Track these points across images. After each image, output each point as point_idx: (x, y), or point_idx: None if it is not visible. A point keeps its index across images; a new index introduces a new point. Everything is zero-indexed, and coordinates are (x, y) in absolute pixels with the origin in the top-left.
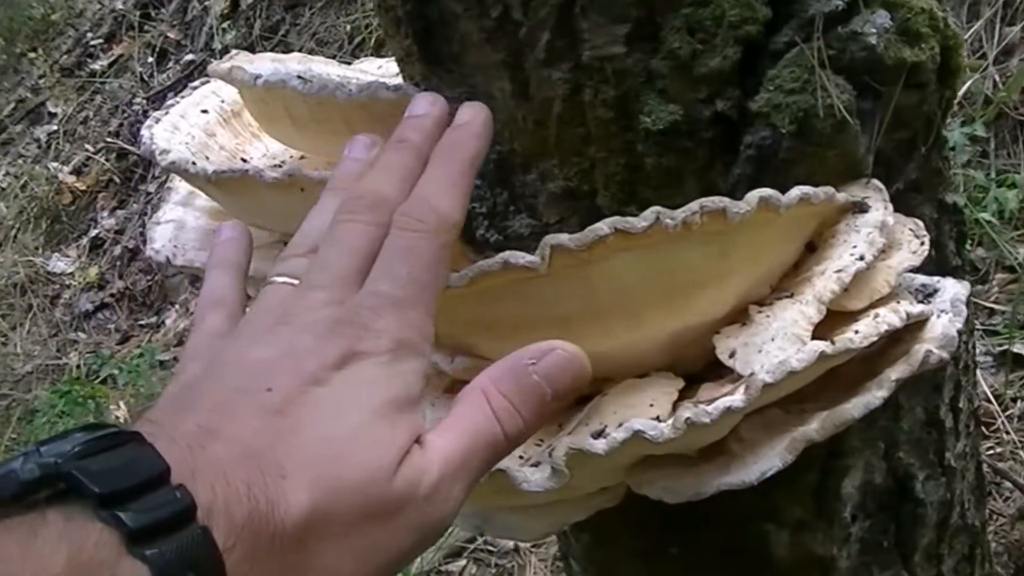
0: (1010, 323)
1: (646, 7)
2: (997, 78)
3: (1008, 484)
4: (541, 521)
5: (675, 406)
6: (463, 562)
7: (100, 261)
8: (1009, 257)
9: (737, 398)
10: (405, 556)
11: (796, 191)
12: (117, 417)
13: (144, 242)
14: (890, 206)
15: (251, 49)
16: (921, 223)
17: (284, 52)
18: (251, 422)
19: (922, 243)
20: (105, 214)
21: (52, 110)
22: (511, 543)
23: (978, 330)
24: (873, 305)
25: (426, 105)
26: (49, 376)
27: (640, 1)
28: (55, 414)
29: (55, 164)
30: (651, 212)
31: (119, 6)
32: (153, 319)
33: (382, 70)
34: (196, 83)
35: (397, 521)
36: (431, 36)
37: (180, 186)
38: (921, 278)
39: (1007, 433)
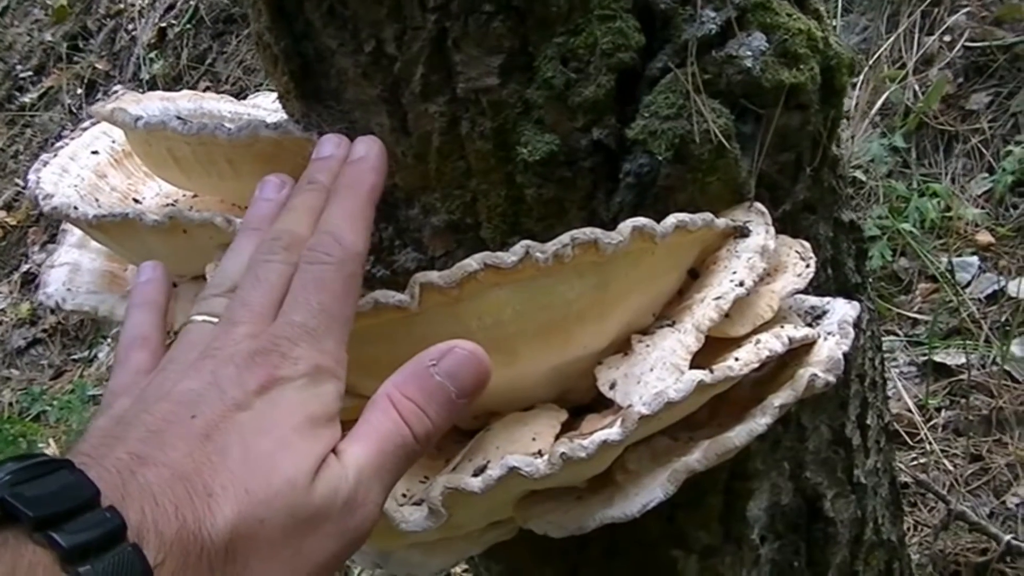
0: (933, 333)
1: (519, 37)
2: (917, 88)
3: (932, 495)
4: (437, 557)
5: (558, 438)
6: None
7: (32, 296)
8: (931, 267)
9: (614, 432)
10: (332, 561)
11: (672, 219)
12: (47, 454)
13: None
14: (772, 230)
15: (179, 78)
16: (808, 245)
17: (212, 80)
18: (179, 447)
19: (808, 265)
20: (36, 249)
21: None
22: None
23: (901, 340)
24: (757, 330)
25: (332, 147)
26: None
27: (512, 32)
28: None
29: None
30: (521, 246)
31: (48, 38)
32: (86, 353)
33: (275, 104)
34: (86, 123)
35: (320, 528)
36: (308, 73)
37: (75, 228)
38: (811, 300)
39: (930, 444)
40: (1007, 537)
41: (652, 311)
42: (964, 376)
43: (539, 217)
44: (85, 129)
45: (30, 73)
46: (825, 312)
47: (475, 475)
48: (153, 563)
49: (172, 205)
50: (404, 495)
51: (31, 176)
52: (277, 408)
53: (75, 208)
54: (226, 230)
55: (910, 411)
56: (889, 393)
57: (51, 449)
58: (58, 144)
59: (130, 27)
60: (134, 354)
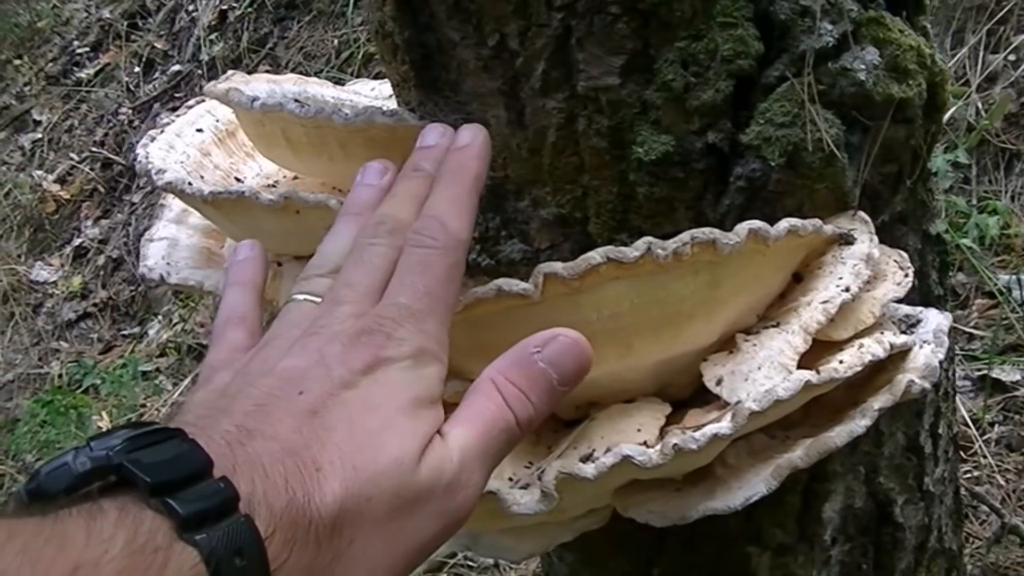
0: (990, 348)
1: (641, 39)
2: (980, 105)
3: (985, 508)
4: (528, 542)
5: (662, 432)
6: None
7: (83, 270)
8: (989, 283)
9: (724, 425)
10: (432, 541)
11: (785, 223)
12: (99, 427)
13: (128, 252)
14: (875, 238)
15: (238, 61)
16: (905, 255)
17: (272, 65)
18: (287, 421)
19: (906, 275)
20: (89, 223)
21: (37, 118)
22: (491, 560)
23: (958, 355)
24: (858, 335)
25: (436, 136)
26: (31, 385)
27: (635, 33)
28: (37, 423)
29: (39, 172)
30: (643, 242)
31: (106, 15)
32: (136, 329)
33: (375, 92)
34: (191, 102)
35: (423, 508)
36: (428, 63)
37: (173, 203)
38: (905, 308)
39: (984, 457)
40: None
41: (757, 312)
42: (1019, 392)
43: (648, 215)
44: (190, 107)
45: (87, 49)
46: (919, 321)
47: (584, 462)
48: (264, 534)
49: (273, 186)
50: (510, 479)
51: (139, 151)
52: (383, 387)
53: (189, 184)
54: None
55: (965, 425)
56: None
57: (103, 422)
58: (164, 121)
59: (190, 8)
60: (231, 331)
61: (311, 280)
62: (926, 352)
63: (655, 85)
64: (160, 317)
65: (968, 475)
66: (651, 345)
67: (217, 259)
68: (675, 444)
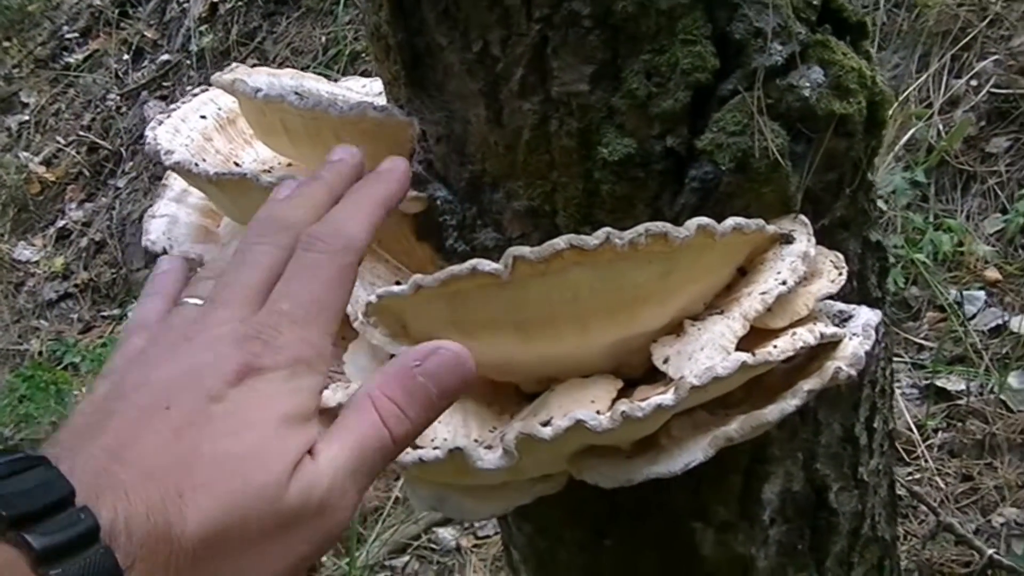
0: (936, 359)
1: (610, 51)
2: (941, 127)
3: (923, 508)
4: (490, 503)
5: (613, 403)
6: (407, 558)
7: (66, 252)
8: (940, 297)
9: (668, 397)
10: (303, 562)
11: (731, 221)
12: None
13: (111, 236)
14: (813, 239)
15: (227, 53)
16: (841, 256)
17: (260, 58)
18: (152, 442)
19: (840, 273)
20: (73, 206)
21: (25, 100)
22: (453, 543)
23: (906, 363)
24: (793, 325)
25: (344, 153)
26: (10, 360)
27: (605, 45)
28: (16, 397)
29: (25, 154)
30: (603, 232)
31: (96, 2)
32: (116, 311)
33: (366, 88)
34: (196, 90)
35: (293, 532)
36: (417, 64)
37: (174, 183)
38: (839, 305)
39: (926, 461)
40: (990, 551)
41: (704, 300)
42: (962, 401)
43: (610, 210)
44: (195, 95)
45: (76, 34)
46: (851, 316)
47: (544, 425)
48: (123, 565)
49: (268, 171)
50: (476, 441)
51: (148, 133)
52: (254, 402)
53: (196, 165)
54: None
55: (910, 430)
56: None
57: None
58: (171, 107)
59: None
60: (132, 338)
61: (198, 284)
62: (854, 343)
63: (621, 92)
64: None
65: (910, 477)
66: (607, 326)
67: (213, 237)
68: (623, 411)
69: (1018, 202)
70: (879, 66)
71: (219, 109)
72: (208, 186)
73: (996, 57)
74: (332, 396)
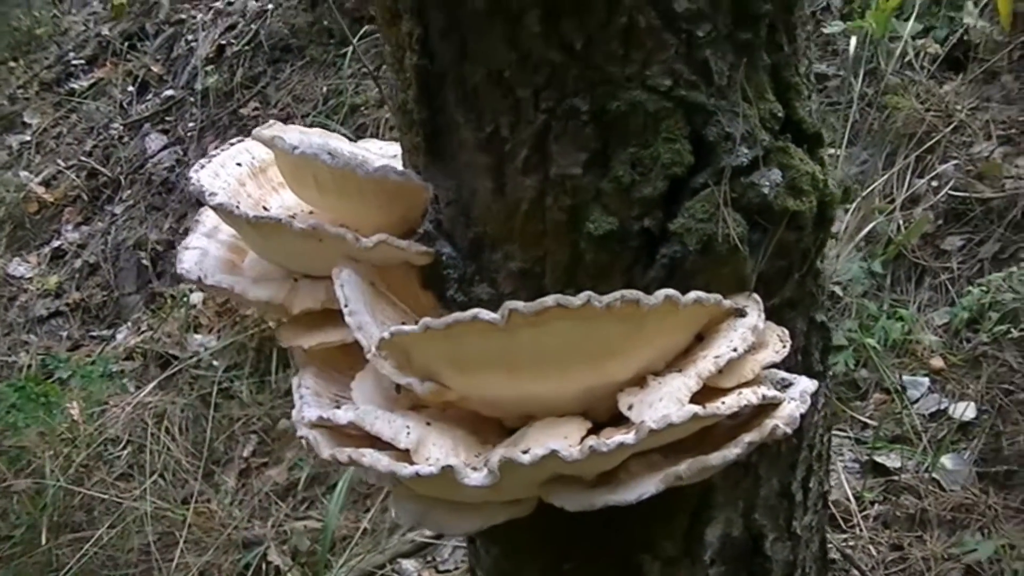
0: (875, 438)
1: (602, 142)
2: (901, 222)
3: (855, 573)
4: (468, 520)
5: (583, 440)
6: None
7: (60, 271)
8: (887, 380)
9: (629, 437)
10: None
11: (693, 294)
12: (72, 415)
13: (104, 259)
14: (763, 315)
15: (230, 94)
16: (787, 332)
17: (262, 102)
18: None
19: (784, 346)
20: (70, 228)
21: (28, 121)
22: (414, 573)
23: (850, 439)
24: (740, 386)
25: None
26: None
27: (598, 136)
28: (5, 407)
29: (25, 173)
30: (585, 294)
31: (104, 32)
32: (105, 332)
33: (382, 150)
34: (234, 140)
35: None
36: (436, 137)
37: (206, 220)
38: (782, 373)
39: (861, 530)
40: None
41: (665, 360)
42: (899, 478)
43: (591, 276)
44: (232, 144)
45: (82, 62)
46: (791, 384)
47: (523, 453)
48: None
49: (293, 216)
50: (465, 464)
51: (192, 175)
52: None
53: (236, 207)
54: (353, 244)
55: (848, 500)
56: (832, 483)
57: (75, 410)
58: (212, 153)
59: (190, 38)
60: None
61: None
62: (792, 406)
63: (609, 178)
64: (129, 324)
65: (845, 543)
66: (583, 373)
67: (239, 270)
68: (591, 446)
69: (964, 297)
70: (848, 161)
71: (253, 158)
72: (245, 227)
73: (957, 161)
74: (343, 416)
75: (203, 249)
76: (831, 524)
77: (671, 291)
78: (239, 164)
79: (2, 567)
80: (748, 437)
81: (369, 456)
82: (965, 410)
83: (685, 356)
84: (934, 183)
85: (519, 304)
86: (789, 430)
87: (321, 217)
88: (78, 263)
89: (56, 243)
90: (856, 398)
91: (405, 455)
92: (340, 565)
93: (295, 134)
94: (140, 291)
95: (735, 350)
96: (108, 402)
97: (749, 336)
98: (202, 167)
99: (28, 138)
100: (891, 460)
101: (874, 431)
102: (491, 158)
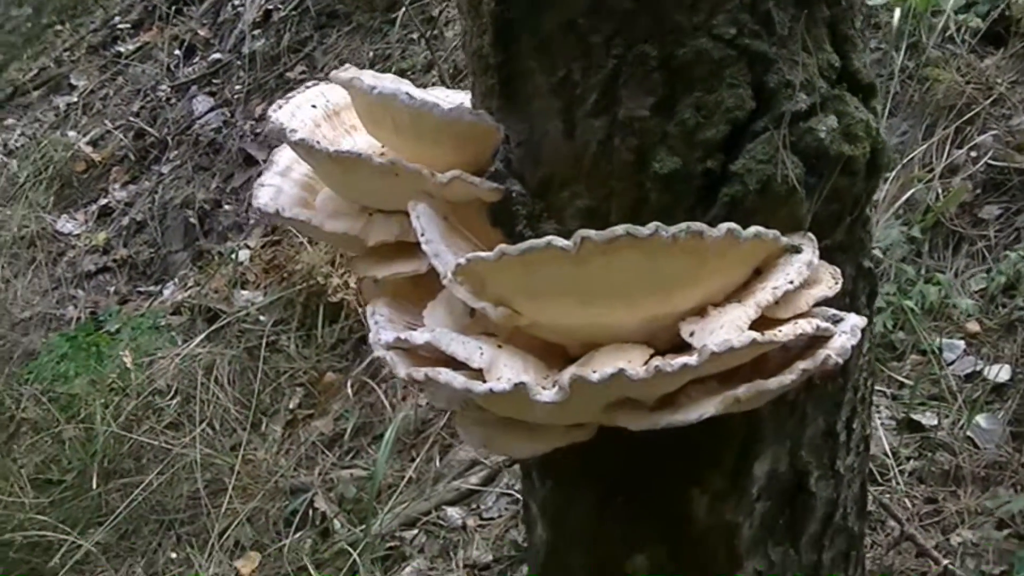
0: (911, 396)
1: (669, 87)
2: (940, 191)
3: (890, 524)
4: (531, 443)
5: (645, 364)
6: (416, 532)
7: (107, 229)
8: (923, 342)
9: (692, 359)
10: None
11: (753, 229)
12: (125, 362)
13: (151, 217)
14: (817, 252)
15: (277, 59)
16: (839, 270)
17: (309, 66)
18: None
19: (836, 282)
20: (117, 186)
21: (74, 82)
22: (459, 521)
23: (888, 397)
24: (795, 317)
25: None
26: (46, 325)
27: (666, 82)
28: (58, 356)
29: (73, 133)
30: (653, 225)
31: None
32: (152, 288)
33: (448, 98)
34: (309, 84)
35: None
36: (510, 82)
37: (279, 160)
38: (832, 310)
39: (897, 483)
40: (945, 562)
41: (725, 292)
42: (934, 435)
43: (655, 215)
44: (308, 88)
45: (128, 26)
46: (842, 319)
47: (592, 372)
48: None
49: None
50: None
51: (271, 113)
52: None
53: (318, 142)
54: (429, 179)
55: (886, 455)
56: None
57: (128, 358)
58: (288, 95)
59: (236, 3)
60: None
61: None
62: (843, 338)
63: (674, 121)
64: (176, 280)
65: (882, 495)
66: (648, 302)
67: (311, 207)
68: (657, 366)
69: (1001, 263)
70: (889, 132)
71: (327, 102)
72: (326, 161)
73: (995, 132)
74: (420, 337)
75: (277, 187)
76: (869, 478)
77: (733, 224)
78: (314, 106)
79: (54, 510)
80: (802, 364)
81: (445, 374)
82: (999, 372)
83: (744, 289)
84: (973, 154)
85: (591, 232)
86: (841, 360)
87: (396, 156)
88: (125, 221)
89: (103, 201)
90: (893, 359)
91: (478, 375)
92: (386, 511)
93: (367, 77)
94: (187, 248)
95: (791, 282)
96: (157, 353)
97: (804, 270)
98: (279, 108)
99: (75, 99)
100: (927, 418)
101: (911, 391)
102: (562, 101)
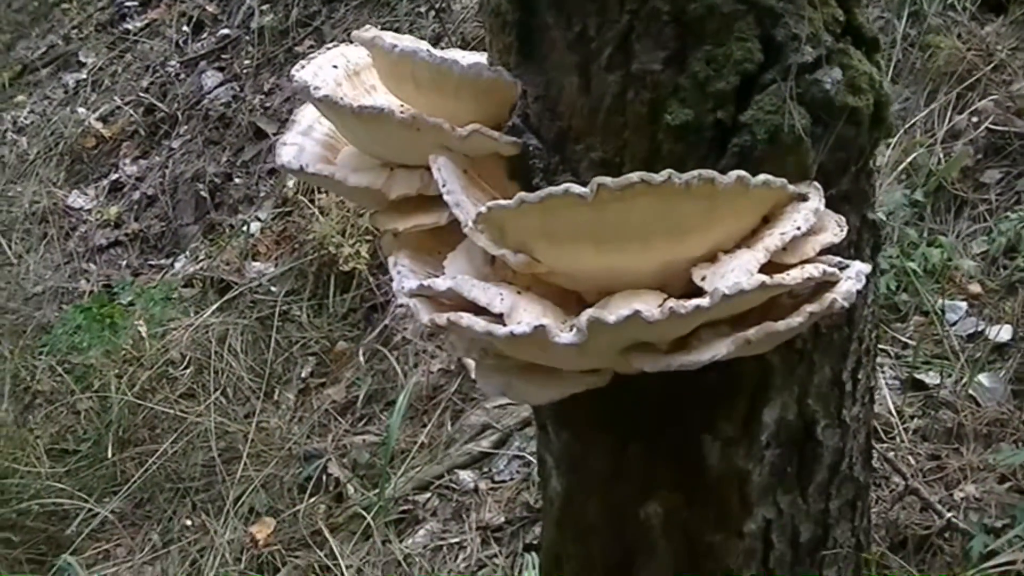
0: (915, 356)
1: (681, 41)
2: (942, 156)
3: (894, 480)
4: (548, 389)
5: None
6: (429, 495)
7: (118, 203)
8: (926, 304)
9: (704, 301)
10: None
11: (762, 177)
12: (139, 331)
13: (162, 192)
14: (823, 200)
15: (285, 33)
16: (844, 219)
17: (318, 40)
18: None
19: (841, 229)
20: (127, 161)
21: (83, 60)
22: (471, 484)
23: (891, 357)
24: (803, 262)
25: None
26: (59, 299)
27: (677, 36)
28: (72, 327)
29: (83, 109)
30: (666, 172)
31: None
32: (164, 261)
33: (466, 60)
34: (329, 45)
35: None
36: (527, 38)
37: (302, 119)
38: (838, 258)
39: (901, 440)
40: (949, 515)
41: (735, 239)
42: (937, 394)
43: (667, 165)
44: (329, 48)
45: (135, 3)
46: (847, 266)
47: (609, 314)
48: None
49: None
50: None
51: (295, 72)
52: None
53: (341, 99)
54: (449, 133)
55: (890, 413)
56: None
57: (143, 328)
58: (310, 56)
59: None
60: None
61: None
62: (848, 283)
63: (686, 74)
64: (187, 253)
65: (887, 452)
66: (662, 247)
67: (331, 165)
68: (671, 307)
69: (1001, 223)
70: (891, 98)
71: (348, 62)
72: (349, 117)
73: (996, 98)
74: (442, 283)
75: (300, 145)
76: (874, 436)
77: (742, 172)
78: (335, 66)
79: (70, 479)
80: (810, 308)
81: (467, 318)
82: (1001, 332)
83: (753, 236)
84: (974, 119)
85: (607, 179)
86: (846, 304)
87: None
88: (136, 195)
89: (114, 176)
90: (897, 320)
91: (498, 320)
92: (399, 475)
93: (388, 38)
94: (198, 221)
95: (799, 228)
96: (170, 324)
97: (811, 217)
98: (302, 67)
99: (84, 76)
100: (930, 377)
101: (914, 351)
102: (578, 56)
